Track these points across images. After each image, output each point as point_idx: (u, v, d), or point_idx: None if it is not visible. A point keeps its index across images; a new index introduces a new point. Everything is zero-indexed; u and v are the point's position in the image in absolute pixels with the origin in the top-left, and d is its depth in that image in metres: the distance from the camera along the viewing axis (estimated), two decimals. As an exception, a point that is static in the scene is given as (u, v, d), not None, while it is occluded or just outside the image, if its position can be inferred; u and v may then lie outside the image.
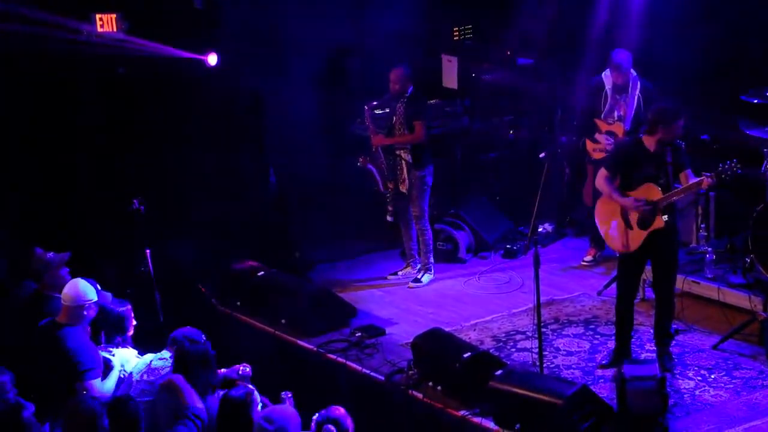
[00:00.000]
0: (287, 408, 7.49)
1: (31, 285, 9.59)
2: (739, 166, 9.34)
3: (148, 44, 12.23)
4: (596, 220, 10.02)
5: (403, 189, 11.89)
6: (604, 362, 9.99)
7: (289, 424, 7.16)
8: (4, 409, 7.56)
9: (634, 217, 9.60)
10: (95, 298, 8.76)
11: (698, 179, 9.38)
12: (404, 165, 11.82)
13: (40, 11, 11.63)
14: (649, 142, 9.51)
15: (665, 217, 9.50)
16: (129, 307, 9.10)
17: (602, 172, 9.75)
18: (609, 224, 9.84)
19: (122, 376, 8.77)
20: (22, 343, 8.97)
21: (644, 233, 9.57)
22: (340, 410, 7.33)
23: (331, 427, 7.15)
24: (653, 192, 9.47)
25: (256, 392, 7.84)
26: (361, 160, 12.00)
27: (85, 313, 8.71)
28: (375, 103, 11.97)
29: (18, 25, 11.48)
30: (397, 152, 11.83)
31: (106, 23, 12.12)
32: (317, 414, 7.33)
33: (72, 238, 10.30)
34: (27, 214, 11.48)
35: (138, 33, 12.19)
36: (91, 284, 8.81)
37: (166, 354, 8.58)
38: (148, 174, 11.93)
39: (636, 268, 9.90)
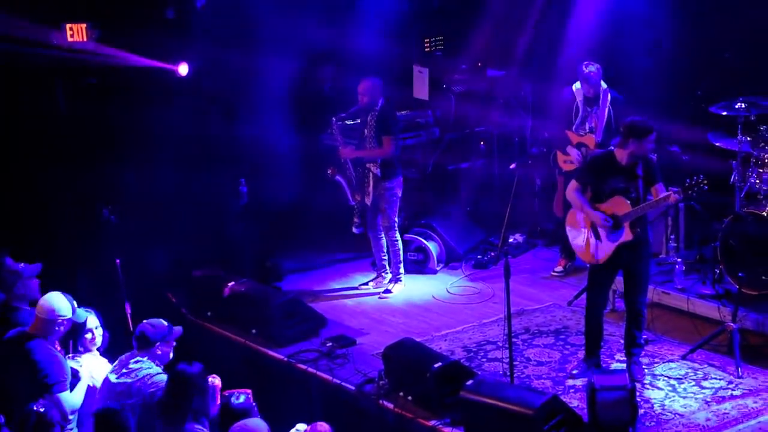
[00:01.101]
0: (259, 422, 7.44)
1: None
2: (705, 182, 9.36)
3: (119, 53, 12.19)
4: (567, 232, 10.04)
5: (368, 201, 11.92)
6: (573, 372, 10.01)
7: None
8: None
9: (603, 230, 9.62)
10: (69, 315, 8.68)
11: (665, 194, 9.38)
12: (371, 178, 11.83)
13: (10, 18, 11.59)
14: (621, 155, 9.52)
15: (638, 230, 9.53)
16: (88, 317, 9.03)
17: (573, 184, 9.77)
18: (579, 236, 9.87)
19: (91, 384, 8.72)
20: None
21: (613, 245, 9.59)
22: (324, 427, 7.31)
23: None
24: (622, 205, 9.49)
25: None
26: (330, 170, 12.00)
27: (57, 328, 8.63)
28: (343, 114, 11.97)
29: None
30: (367, 165, 11.84)
31: (76, 33, 12.09)
32: (304, 430, 7.32)
33: (42, 248, 10.23)
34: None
35: (109, 42, 12.15)
36: (69, 300, 8.73)
37: (143, 359, 8.55)
38: (120, 183, 11.89)
39: (606, 280, 9.93)
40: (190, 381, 7.94)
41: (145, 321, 8.60)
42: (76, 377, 8.66)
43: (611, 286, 10.20)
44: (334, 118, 11.93)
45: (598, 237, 9.68)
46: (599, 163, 9.78)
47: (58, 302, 8.64)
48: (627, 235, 9.52)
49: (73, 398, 8.51)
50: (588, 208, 9.63)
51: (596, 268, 9.83)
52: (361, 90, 11.73)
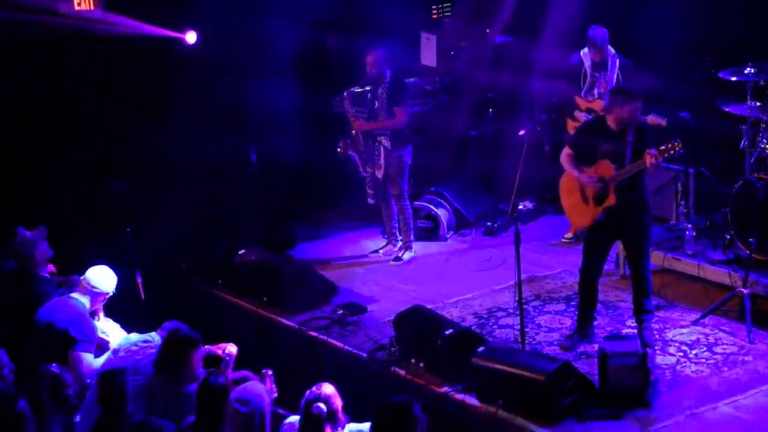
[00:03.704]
0: (257, 385, 7.43)
1: (12, 264, 9.58)
2: (680, 146, 9.34)
3: (126, 22, 12.21)
4: (560, 195, 10.14)
5: (379, 175, 11.91)
6: (566, 344, 9.98)
7: (264, 403, 7.17)
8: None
9: (590, 192, 9.71)
10: (113, 290, 9.04)
11: (642, 159, 9.37)
12: (382, 150, 11.82)
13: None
14: (610, 120, 9.58)
15: (625, 195, 9.51)
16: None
17: (566, 150, 9.88)
18: (570, 198, 9.99)
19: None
20: (10, 319, 9.09)
21: (599, 209, 9.65)
22: (329, 388, 7.31)
23: (321, 405, 7.12)
24: (607, 169, 9.54)
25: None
26: (341, 145, 11.95)
27: (99, 298, 8.96)
28: (354, 88, 11.85)
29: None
30: (378, 138, 11.81)
31: (83, 1, 12.09)
32: (308, 391, 7.32)
33: (53, 217, 10.23)
34: (7, 193, 11.43)
35: (116, 10, 12.17)
36: (115, 275, 9.09)
37: (153, 335, 8.60)
38: (129, 152, 11.91)
39: (599, 246, 9.92)
40: (185, 340, 8.02)
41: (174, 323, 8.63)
42: (104, 348, 8.84)
43: (605, 254, 10.12)
44: (345, 92, 11.87)
45: (586, 201, 9.78)
46: (590, 128, 9.91)
47: (106, 276, 9.02)
48: (611, 199, 9.56)
49: (97, 363, 8.64)
50: (577, 171, 9.72)
51: (589, 233, 9.91)
52: (369, 61, 11.71)
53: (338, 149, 11.99)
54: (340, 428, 7.33)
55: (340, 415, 7.30)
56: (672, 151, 9.39)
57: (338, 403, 7.29)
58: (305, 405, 7.21)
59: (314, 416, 7.10)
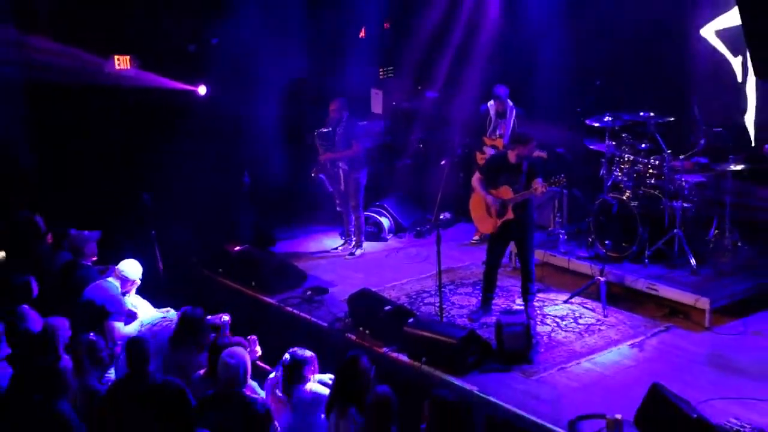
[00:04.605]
0: (240, 348, 7.39)
1: (66, 255, 9.62)
2: (564, 180, 9.61)
3: (154, 78, 12.25)
4: (470, 208, 10.20)
5: (342, 188, 12.02)
6: (472, 317, 10.05)
7: (245, 359, 7.20)
8: (50, 360, 7.35)
9: (493, 209, 9.79)
10: (139, 278, 9.00)
11: (534, 187, 9.49)
12: (341, 172, 11.94)
13: (74, 51, 11.66)
14: (511, 156, 9.68)
15: (519, 211, 9.66)
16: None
17: (477, 175, 9.96)
18: (477, 212, 10.04)
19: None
20: (63, 298, 9.05)
21: (500, 221, 9.76)
22: (308, 352, 7.49)
23: (302, 352, 7.38)
24: (508, 192, 9.65)
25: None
26: (313, 170, 12.02)
27: (128, 284, 8.94)
28: (321, 129, 11.91)
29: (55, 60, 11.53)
30: (338, 163, 11.94)
31: (122, 62, 12.15)
32: (288, 351, 7.45)
33: (98, 224, 10.26)
34: (64, 203, 11.47)
35: (146, 69, 12.20)
36: (141, 267, 9.04)
37: (171, 312, 8.72)
38: (155, 175, 11.90)
39: (498, 247, 10.04)
40: (199, 320, 8.03)
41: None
42: (132, 317, 8.85)
43: (503, 252, 10.21)
44: (315, 134, 11.94)
45: (490, 214, 9.85)
46: (496, 161, 9.97)
47: (135, 267, 8.98)
48: (509, 215, 9.67)
49: (126, 330, 8.65)
50: (485, 193, 9.77)
51: (491, 237, 9.99)
52: (332, 107, 11.81)
53: (312, 173, 12.06)
54: (311, 376, 7.46)
55: (315, 364, 7.48)
56: (557, 183, 9.68)
57: (308, 354, 7.48)
58: (290, 356, 7.38)
59: (299, 360, 7.34)
